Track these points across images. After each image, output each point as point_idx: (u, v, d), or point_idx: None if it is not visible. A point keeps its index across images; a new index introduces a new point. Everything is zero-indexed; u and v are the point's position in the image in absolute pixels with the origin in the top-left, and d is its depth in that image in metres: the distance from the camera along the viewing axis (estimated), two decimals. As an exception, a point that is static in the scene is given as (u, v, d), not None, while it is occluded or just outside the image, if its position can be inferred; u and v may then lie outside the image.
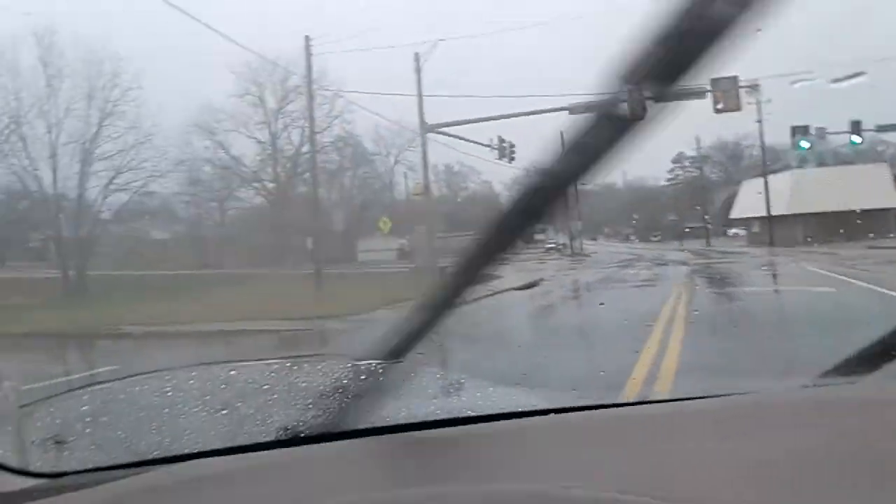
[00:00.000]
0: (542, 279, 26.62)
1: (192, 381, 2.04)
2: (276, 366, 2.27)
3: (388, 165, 67.24)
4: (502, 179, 79.05)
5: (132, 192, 32.52)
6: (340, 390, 1.74)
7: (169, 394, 1.89)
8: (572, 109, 29.85)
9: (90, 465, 1.50)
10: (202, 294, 24.38)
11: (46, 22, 31.00)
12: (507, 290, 23.31)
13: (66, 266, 30.98)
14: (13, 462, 1.47)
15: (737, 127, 69.81)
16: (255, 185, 50.89)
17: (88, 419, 1.75)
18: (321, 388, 1.80)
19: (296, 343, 14.22)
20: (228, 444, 1.59)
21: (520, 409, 1.73)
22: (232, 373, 2.11)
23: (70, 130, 30.21)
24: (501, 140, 32.90)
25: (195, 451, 1.55)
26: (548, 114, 28.05)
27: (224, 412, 1.81)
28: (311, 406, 1.73)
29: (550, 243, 67.35)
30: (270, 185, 48.99)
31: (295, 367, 2.24)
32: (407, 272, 31.39)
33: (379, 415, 1.68)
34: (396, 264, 43.66)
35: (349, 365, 1.84)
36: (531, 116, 29.91)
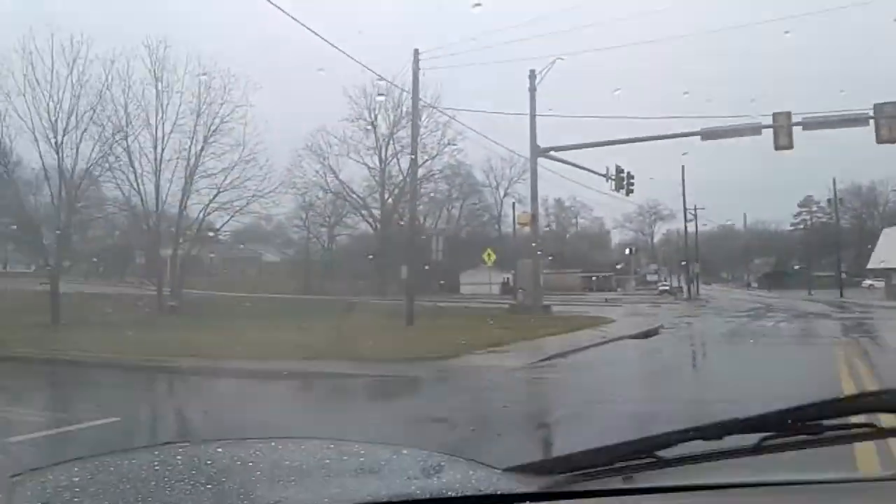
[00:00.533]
0: (660, 326, 22.80)
1: (179, 458, 2.07)
2: (260, 445, 2.15)
3: (497, 197, 64.46)
4: (615, 216, 75.06)
5: (233, 212, 30.68)
6: (323, 469, 1.87)
7: (156, 468, 1.92)
8: (705, 134, 26.29)
9: None
10: (293, 321, 22.12)
11: (160, 35, 29.94)
12: (621, 337, 19.81)
13: (160, 285, 29.47)
14: None
15: (871, 171, 63.28)
16: (363, 211, 49.23)
17: (77, 489, 1.75)
18: (304, 467, 1.87)
19: (357, 393, 11.33)
20: None
21: (500, 493, 1.74)
22: (218, 450, 2.15)
23: (175, 146, 28.85)
24: (619, 169, 29.29)
25: None
26: (678, 139, 24.46)
27: (208, 487, 1.77)
28: (293, 483, 1.78)
29: (664, 285, 62.56)
30: (376, 213, 47.05)
31: (279, 447, 2.16)
32: (508, 308, 28.14)
33: (360, 493, 1.70)
34: (499, 299, 40.76)
35: (331, 445, 2.05)
36: (655, 142, 26.33)
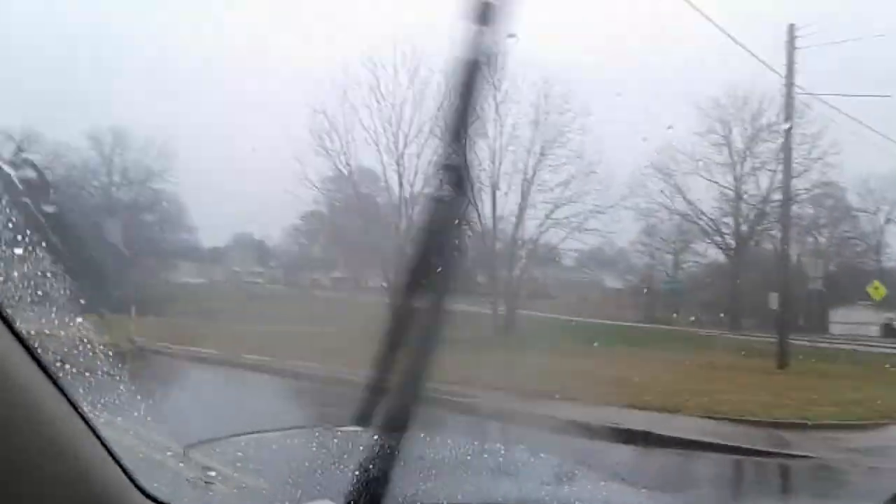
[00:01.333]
0: None
1: (336, 440, 2.09)
2: (411, 436, 1.96)
3: (875, 224, 53.14)
4: None
5: (571, 229, 27.79)
6: (462, 465, 1.93)
7: (313, 449, 2.07)
8: None
9: None
10: (636, 353, 18.48)
11: (501, 44, 28.34)
12: None
13: (496, 304, 27.60)
14: (164, 496, 1.45)
15: None
16: (716, 238, 42.92)
17: (239, 464, 1.87)
18: (446, 461, 1.95)
19: (704, 481, 7.06)
20: None
21: None
22: (374, 438, 2.02)
23: (511, 158, 26.93)
24: None
25: None
26: None
27: (356, 473, 1.76)
28: (433, 476, 1.82)
29: None
30: (729, 238, 40.66)
31: (428, 439, 2.09)
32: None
33: (493, 494, 1.73)
34: (882, 342, 32.40)
35: (475, 443, 2.32)
36: None
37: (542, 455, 2.08)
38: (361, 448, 1.85)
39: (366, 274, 46.76)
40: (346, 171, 27.05)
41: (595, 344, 22.72)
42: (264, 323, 24.37)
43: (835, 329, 44.47)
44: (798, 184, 38.22)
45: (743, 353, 21.57)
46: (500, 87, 26.70)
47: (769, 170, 37.64)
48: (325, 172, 27.42)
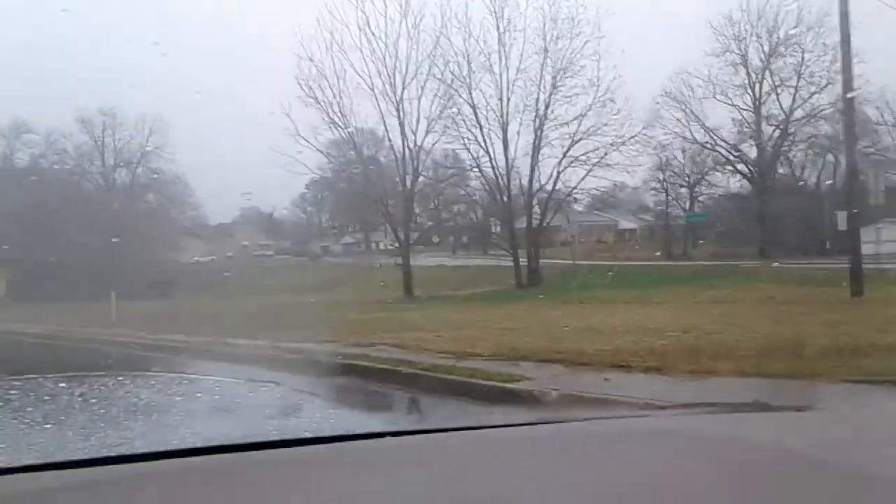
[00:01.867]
0: None
1: (14, 392, 1.81)
2: (107, 379, 1.88)
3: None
4: None
5: (591, 165, 24.88)
6: (174, 408, 1.67)
7: None
8: None
9: None
10: (678, 292, 16.13)
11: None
12: None
13: (516, 255, 24.95)
14: None
15: None
16: (739, 164, 39.44)
17: None
18: (152, 403, 1.67)
19: None
20: (46, 460, 1.35)
21: (355, 432, 1.57)
22: (61, 385, 1.89)
23: (520, 94, 23.94)
24: None
25: (7, 466, 1.31)
26: None
27: (47, 426, 1.59)
28: (140, 422, 1.55)
29: None
30: (751, 163, 37.40)
31: (128, 382, 1.88)
32: None
33: (214, 433, 1.45)
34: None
35: (185, 381, 1.88)
36: None
37: (262, 388, 1.69)
38: (48, 398, 1.66)
39: (375, 236, 44.23)
40: (345, 133, 24.25)
41: (622, 287, 20.20)
42: (270, 296, 22.01)
43: (867, 249, 41.45)
44: (820, 100, 35.07)
45: (795, 281, 18.98)
46: (502, 15, 23.65)
47: (790, 86, 34.45)
48: (317, 125, 24.51)
